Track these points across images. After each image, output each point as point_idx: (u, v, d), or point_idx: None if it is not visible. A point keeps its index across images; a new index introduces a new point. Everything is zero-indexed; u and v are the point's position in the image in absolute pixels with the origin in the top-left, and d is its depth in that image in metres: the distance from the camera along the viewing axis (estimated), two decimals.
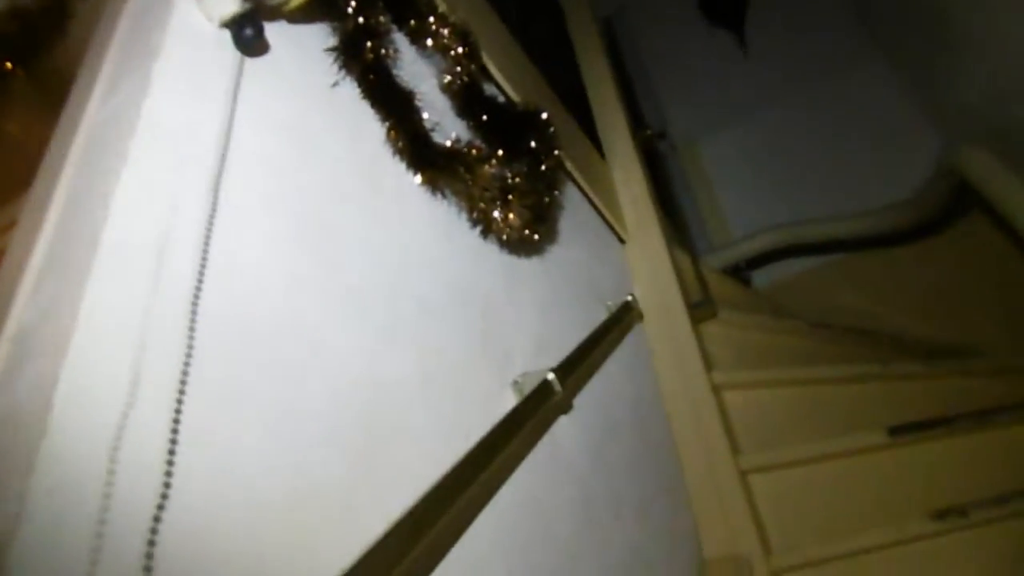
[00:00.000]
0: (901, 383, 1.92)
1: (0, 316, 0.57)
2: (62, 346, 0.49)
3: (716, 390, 1.76)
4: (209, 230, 0.58)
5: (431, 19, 1.18)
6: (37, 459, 0.44)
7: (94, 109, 0.71)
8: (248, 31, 0.76)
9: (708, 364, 1.80)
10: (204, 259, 0.56)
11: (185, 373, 0.50)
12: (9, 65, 1.18)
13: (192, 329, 0.52)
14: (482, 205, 1.05)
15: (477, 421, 0.91)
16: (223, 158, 0.64)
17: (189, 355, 0.51)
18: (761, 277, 3.20)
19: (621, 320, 1.58)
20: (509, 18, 2.59)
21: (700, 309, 1.96)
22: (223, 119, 0.67)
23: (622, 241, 2.05)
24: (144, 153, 0.61)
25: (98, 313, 0.50)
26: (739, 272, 3.06)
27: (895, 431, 1.69)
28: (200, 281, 0.54)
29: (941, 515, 1.55)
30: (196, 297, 0.53)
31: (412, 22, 1.18)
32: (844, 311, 2.84)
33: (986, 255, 2.69)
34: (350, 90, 0.98)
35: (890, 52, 3.21)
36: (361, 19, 0.98)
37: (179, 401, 0.47)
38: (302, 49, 0.95)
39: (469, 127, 1.27)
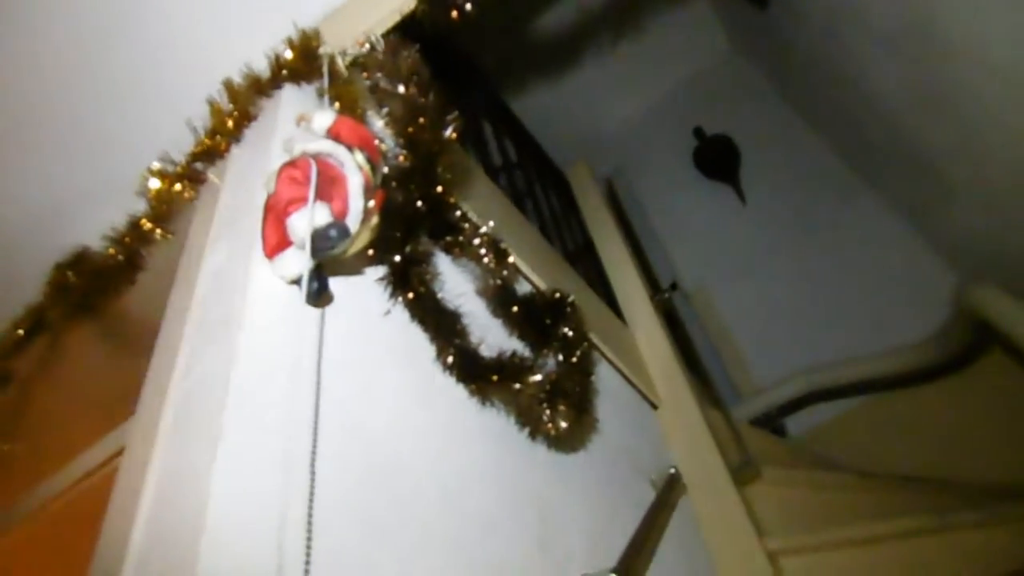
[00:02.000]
0: (960, 534, 1.85)
1: None
2: None
3: (772, 558, 1.70)
4: (312, 503, 0.61)
5: (465, 232, 1.28)
6: None
7: (179, 375, 0.77)
8: (315, 285, 0.84)
9: (760, 530, 1.75)
10: (309, 533, 0.58)
11: None
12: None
13: None
14: (530, 411, 1.09)
15: None
16: (316, 428, 0.68)
17: None
18: (793, 425, 3.17)
19: (669, 497, 1.56)
20: (518, 193, 2.77)
21: (743, 471, 1.94)
22: (310, 384, 0.72)
23: (654, 406, 2.06)
24: (236, 424, 0.65)
25: None
26: (771, 421, 3.03)
27: None
28: (308, 560, 0.57)
29: None
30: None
31: (448, 237, 1.28)
32: (883, 455, 2.78)
33: (1013, 389, 2.67)
34: (400, 315, 1.05)
35: (886, 191, 3.37)
36: (407, 248, 1.07)
37: None
38: (352, 283, 1.03)
39: (504, 324, 1.34)
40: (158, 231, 1.14)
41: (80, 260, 1.32)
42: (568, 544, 1.12)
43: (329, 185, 0.85)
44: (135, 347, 1.08)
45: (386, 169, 1.08)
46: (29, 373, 1.40)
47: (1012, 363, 2.59)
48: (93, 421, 1.11)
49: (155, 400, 0.76)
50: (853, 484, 2.11)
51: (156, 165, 1.11)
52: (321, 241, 0.81)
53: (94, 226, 1.33)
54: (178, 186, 1.08)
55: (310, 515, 0.60)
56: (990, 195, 2.46)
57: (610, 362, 1.91)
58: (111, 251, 1.17)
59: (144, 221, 1.14)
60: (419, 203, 1.11)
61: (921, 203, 3.16)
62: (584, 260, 2.76)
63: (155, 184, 1.09)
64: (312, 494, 0.62)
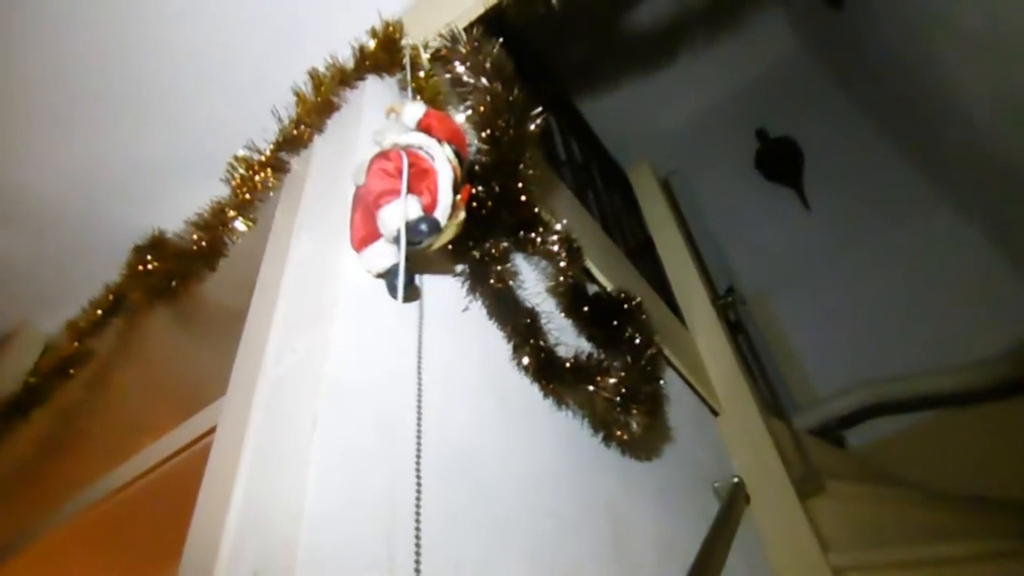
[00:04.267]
0: None
1: None
2: None
3: (837, 574, 1.64)
4: (419, 497, 0.60)
5: (541, 230, 1.26)
6: None
7: (271, 362, 0.77)
8: (404, 280, 0.83)
9: (824, 545, 1.70)
10: (419, 525, 0.58)
11: None
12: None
13: None
14: (605, 414, 1.07)
15: None
16: (419, 423, 0.67)
17: None
18: (853, 438, 3.07)
19: (733, 507, 1.52)
20: (581, 189, 2.74)
21: (806, 483, 1.88)
22: (407, 376, 0.71)
23: (714, 413, 2.02)
24: (331, 414, 0.65)
25: None
26: (829, 433, 2.94)
27: None
28: (418, 552, 0.56)
29: None
30: (418, 565, 0.55)
31: (522, 234, 1.26)
32: (949, 473, 2.68)
33: None
34: (477, 312, 1.04)
35: (962, 202, 3.24)
36: (487, 245, 1.06)
37: None
38: (432, 278, 1.02)
39: (575, 325, 1.32)
40: (240, 218, 1.15)
41: (158, 244, 1.35)
42: (639, 551, 1.10)
43: (419, 178, 0.85)
44: (214, 333, 1.09)
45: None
46: (108, 353, 1.44)
47: None
48: (170, 403, 1.14)
49: (245, 384, 0.77)
50: (921, 501, 2.03)
51: (242, 152, 1.12)
52: (412, 235, 0.80)
53: (172, 208, 1.36)
54: (262, 175, 1.09)
55: (418, 507, 0.60)
56: None
57: (672, 366, 1.87)
58: (194, 236, 1.19)
59: (227, 207, 1.16)
60: (500, 199, 1.09)
61: (1001, 215, 3.03)
62: (643, 260, 2.72)
63: (240, 170, 1.10)
64: (419, 488, 0.62)
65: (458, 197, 0.90)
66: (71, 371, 1.41)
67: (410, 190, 0.83)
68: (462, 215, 0.88)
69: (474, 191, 1.05)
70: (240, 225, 1.13)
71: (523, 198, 1.13)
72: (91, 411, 1.39)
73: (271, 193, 1.13)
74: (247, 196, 1.12)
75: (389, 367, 0.75)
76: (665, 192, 3.61)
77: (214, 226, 1.17)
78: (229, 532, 0.62)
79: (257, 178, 1.09)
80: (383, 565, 0.56)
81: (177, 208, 1.34)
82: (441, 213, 0.85)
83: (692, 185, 4.27)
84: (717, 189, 4.30)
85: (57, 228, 1.56)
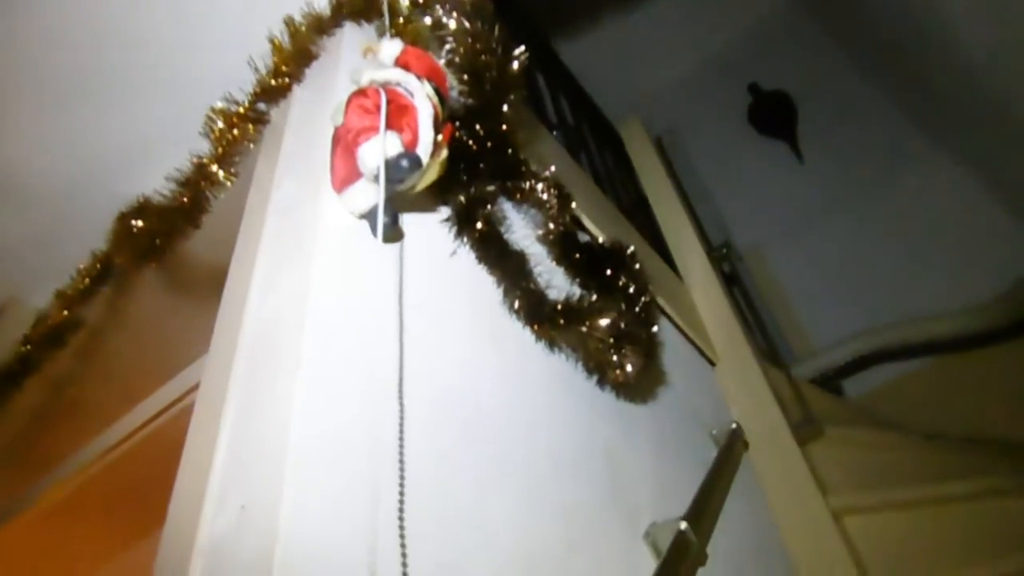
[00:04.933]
0: None
1: (190, 528, 0.59)
2: (266, 559, 0.50)
3: (837, 517, 1.65)
4: (403, 438, 0.60)
5: (528, 175, 1.24)
6: None
7: (254, 307, 0.76)
8: (386, 219, 0.81)
9: (823, 488, 1.71)
10: (402, 460, 0.57)
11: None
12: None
13: (403, 533, 0.52)
14: (598, 355, 1.06)
15: None
16: (401, 358, 0.66)
17: (405, 557, 0.51)
18: (851, 387, 3.08)
19: (732, 452, 1.53)
20: (575, 152, 2.71)
21: (804, 429, 1.89)
22: (390, 313, 0.70)
23: (711, 364, 2.01)
24: (316, 353, 0.64)
25: (298, 522, 0.52)
26: (827, 383, 2.95)
27: None
28: (402, 487, 0.55)
29: None
30: (402, 500, 0.54)
31: (510, 182, 1.24)
32: (946, 418, 2.69)
33: None
34: (465, 257, 1.03)
35: (956, 148, 3.21)
36: (472, 188, 1.04)
37: None
38: (418, 222, 1.00)
39: (567, 273, 1.31)
40: (222, 172, 1.13)
41: (143, 208, 1.33)
42: (637, 493, 1.10)
43: (399, 115, 0.82)
44: (203, 292, 1.08)
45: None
46: (98, 320, 1.43)
47: None
48: (164, 365, 1.13)
49: (228, 334, 0.76)
50: (918, 445, 2.04)
51: (219, 104, 1.09)
52: (393, 171, 0.78)
53: (156, 175, 1.34)
54: (241, 127, 1.07)
55: (401, 442, 0.59)
56: None
57: (668, 317, 1.86)
58: (176, 193, 1.17)
59: (208, 162, 1.14)
60: (484, 142, 1.07)
61: (997, 161, 3.00)
62: (638, 218, 2.70)
63: (218, 124, 1.08)
64: (402, 424, 0.61)
65: (440, 136, 0.88)
66: (62, 339, 1.40)
67: (390, 127, 0.81)
68: (444, 154, 0.86)
69: (457, 133, 1.03)
70: (221, 176, 1.11)
71: (508, 141, 1.11)
72: (83, 378, 1.38)
73: (251, 146, 1.11)
74: (227, 149, 1.10)
75: (373, 307, 0.73)
76: (658, 150, 3.58)
77: (195, 181, 1.15)
78: (216, 470, 0.61)
79: (236, 131, 1.07)
80: (368, 498, 0.55)
81: (163, 175, 1.32)
82: (423, 150, 0.83)
83: (685, 142, 4.23)
84: (710, 145, 4.26)
85: (42, 203, 1.54)
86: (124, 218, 1.36)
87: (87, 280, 1.41)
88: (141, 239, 1.20)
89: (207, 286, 1.04)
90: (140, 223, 1.22)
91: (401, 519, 0.57)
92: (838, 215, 3.54)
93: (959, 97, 2.96)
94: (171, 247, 1.20)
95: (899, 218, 3.36)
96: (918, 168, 3.38)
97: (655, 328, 1.32)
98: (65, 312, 1.40)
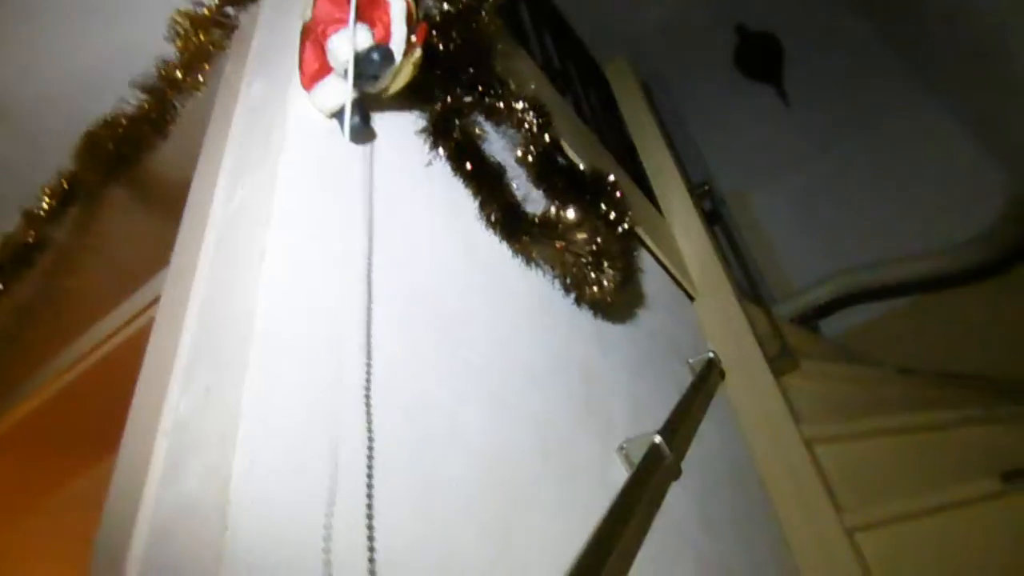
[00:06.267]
0: (1007, 427, 1.82)
1: (154, 408, 0.58)
2: (229, 437, 0.49)
3: (809, 445, 1.69)
4: (369, 324, 0.59)
5: (507, 95, 1.21)
6: (223, 554, 0.43)
7: (220, 204, 0.74)
8: (356, 118, 0.79)
9: (796, 418, 1.73)
10: (369, 346, 0.56)
11: (370, 460, 0.49)
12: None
13: (370, 416, 0.52)
14: (575, 271, 1.05)
15: (592, 491, 0.89)
16: (369, 252, 0.65)
17: (371, 441, 0.50)
18: (829, 327, 3.12)
19: (708, 378, 1.54)
20: (561, 92, 2.66)
21: (780, 362, 1.91)
22: (358, 211, 0.68)
23: (691, 298, 2.02)
24: (282, 242, 0.62)
25: (262, 404, 0.51)
26: (806, 323, 2.98)
27: (1010, 477, 1.59)
28: (369, 372, 0.54)
29: None
30: (368, 384, 0.54)
31: (488, 100, 1.21)
32: (922, 356, 2.74)
33: None
34: (443, 169, 1.01)
35: (945, 92, 3.19)
36: (449, 99, 1.02)
37: (369, 487, 0.46)
38: (395, 134, 0.98)
39: (546, 195, 1.29)
40: (188, 80, 1.09)
41: (109, 124, 1.28)
42: (611, 410, 1.10)
43: (371, 7, 0.79)
44: (172, 207, 1.05)
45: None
46: (66, 241, 1.39)
47: None
48: (132, 282, 1.10)
49: (195, 226, 0.74)
50: (891, 379, 2.08)
51: (185, 7, 1.05)
52: (364, 65, 0.75)
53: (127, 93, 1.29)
54: (207, 33, 1.02)
55: (369, 328, 0.58)
56: None
57: (648, 250, 1.86)
58: (142, 102, 1.13)
59: (173, 68, 1.09)
60: (461, 50, 1.04)
61: (980, 104, 2.99)
62: (620, 156, 2.67)
63: (185, 25, 1.03)
64: (370, 311, 0.60)
65: (413, 36, 0.85)
66: (30, 260, 1.37)
67: (361, 19, 0.78)
68: (418, 54, 0.83)
69: (433, 38, 1.00)
70: (187, 82, 1.07)
71: (486, 51, 1.08)
72: (49, 301, 1.35)
73: (219, 52, 1.07)
74: (193, 54, 1.05)
75: (343, 203, 0.72)
76: (644, 92, 3.53)
77: (161, 89, 1.11)
78: (182, 354, 0.60)
79: (202, 35, 1.03)
80: (332, 380, 0.55)
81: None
82: (395, 46, 0.80)
83: (670, 84, 4.17)
84: (695, 88, 4.20)
85: (9, 122, 1.48)
86: (90, 135, 1.32)
87: (54, 200, 1.36)
88: (107, 152, 1.16)
89: (176, 201, 1.02)
90: (106, 141, 1.18)
91: (368, 403, 0.56)
92: (823, 158, 3.53)
93: (947, 38, 2.93)
94: (138, 159, 1.16)
95: (883, 160, 3.36)
96: (904, 111, 3.37)
97: (636, 254, 1.32)
98: (32, 233, 1.37)
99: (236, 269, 0.63)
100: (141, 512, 0.51)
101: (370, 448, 0.54)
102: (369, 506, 0.46)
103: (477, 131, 1.05)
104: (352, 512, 0.45)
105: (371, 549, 0.44)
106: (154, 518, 0.50)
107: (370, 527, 0.45)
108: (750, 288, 2.51)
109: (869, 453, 1.77)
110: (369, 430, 0.54)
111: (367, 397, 0.56)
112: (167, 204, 1.17)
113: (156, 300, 0.99)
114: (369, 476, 0.48)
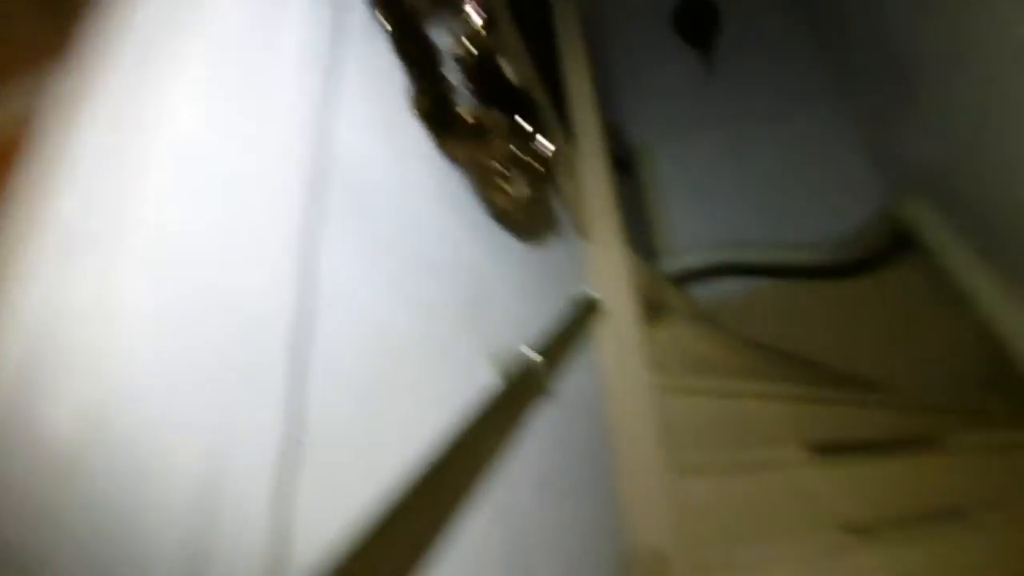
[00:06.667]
0: (820, 407, 2.05)
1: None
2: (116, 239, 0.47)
3: (658, 391, 1.82)
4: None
5: None
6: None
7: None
8: None
9: (652, 365, 1.86)
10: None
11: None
12: None
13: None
14: (488, 177, 1.06)
15: (464, 391, 0.92)
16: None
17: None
18: (698, 291, 3.32)
19: (585, 312, 1.62)
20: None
21: (650, 312, 2.03)
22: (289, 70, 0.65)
23: (584, 238, 2.09)
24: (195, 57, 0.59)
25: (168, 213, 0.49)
26: (680, 283, 3.16)
27: (814, 449, 1.80)
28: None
29: (852, 530, 1.67)
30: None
31: None
32: (770, 335, 2.98)
33: (913, 299, 2.86)
34: (384, 46, 0.97)
35: (852, 95, 3.38)
36: None
37: None
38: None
39: (474, 97, 1.28)
40: None
41: None
42: (494, 317, 1.14)
43: None
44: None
45: None
46: None
47: (918, 277, 2.73)
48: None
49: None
50: (741, 348, 2.27)
51: None
52: None
53: None
54: None
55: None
56: (949, 113, 2.50)
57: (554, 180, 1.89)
58: None
59: None
60: None
61: (876, 112, 3.19)
62: (548, 81, 2.66)
63: None
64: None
65: None
66: None
67: None
68: None
69: None
70: None
71: None
72: None
73: None
74: None
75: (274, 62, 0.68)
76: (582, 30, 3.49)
77: None
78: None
79: None
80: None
81: None
82: None
83: (606, 25, 4.16)
84: (629, 36, 4.22)
85: None
86: None
87: None
88: None
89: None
90: None
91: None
92: (732, 132, 3.67)
93: (860, 43, 3.09)
94: None
95: (785, 148, 3.55)
96: (813, 106, 3.55)
97: (550, 175, 1.34)
98: None
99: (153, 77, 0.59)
100: None
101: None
102: None
103: (424, 7, 1.02)
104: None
105: None
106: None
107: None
108: (638, 239, 2.62)
109: (707, 409, 1.94)
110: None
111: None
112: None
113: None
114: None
